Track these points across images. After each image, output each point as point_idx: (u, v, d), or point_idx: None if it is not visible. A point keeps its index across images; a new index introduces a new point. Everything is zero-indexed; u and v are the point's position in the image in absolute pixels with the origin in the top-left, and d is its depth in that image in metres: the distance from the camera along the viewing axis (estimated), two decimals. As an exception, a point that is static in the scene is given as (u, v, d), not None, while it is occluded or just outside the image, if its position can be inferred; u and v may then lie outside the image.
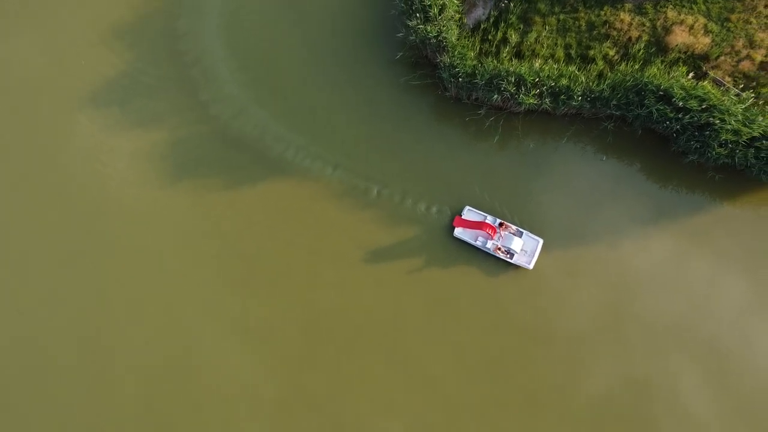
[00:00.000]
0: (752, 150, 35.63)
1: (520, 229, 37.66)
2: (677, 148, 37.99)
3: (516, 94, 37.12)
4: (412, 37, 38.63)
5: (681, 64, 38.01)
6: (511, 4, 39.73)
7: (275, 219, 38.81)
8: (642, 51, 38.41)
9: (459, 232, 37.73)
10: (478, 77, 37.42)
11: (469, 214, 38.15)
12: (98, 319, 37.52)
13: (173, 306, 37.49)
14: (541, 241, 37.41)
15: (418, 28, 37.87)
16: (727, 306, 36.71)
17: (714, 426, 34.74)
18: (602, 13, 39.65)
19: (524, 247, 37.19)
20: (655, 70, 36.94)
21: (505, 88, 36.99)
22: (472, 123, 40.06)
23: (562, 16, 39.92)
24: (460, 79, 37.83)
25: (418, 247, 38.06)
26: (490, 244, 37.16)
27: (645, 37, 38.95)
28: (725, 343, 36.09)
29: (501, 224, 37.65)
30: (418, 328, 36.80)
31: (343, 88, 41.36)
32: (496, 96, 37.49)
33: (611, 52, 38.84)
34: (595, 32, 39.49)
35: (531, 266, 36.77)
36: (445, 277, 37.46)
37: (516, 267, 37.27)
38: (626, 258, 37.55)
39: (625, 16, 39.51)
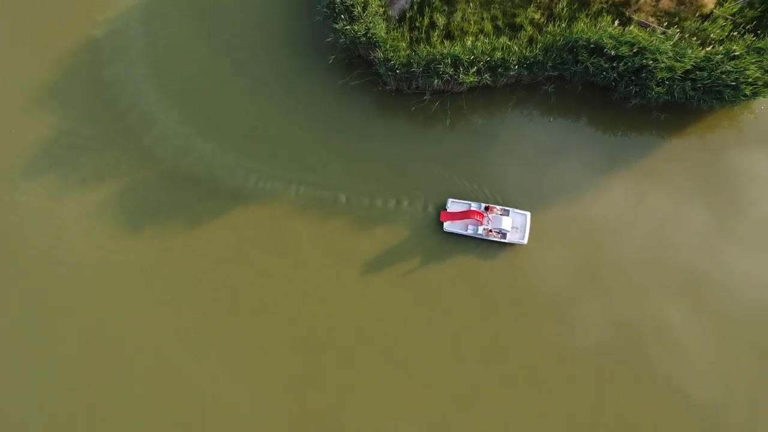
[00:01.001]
0: (688, 83, 36.81)
1: (506, 208, 37.99)
2: (619, 95, 38.92)
3: (455, 74, 37.33)
4: (341, 40, 38.39)
5: (605, 15, 38.86)
6: (431, -12, 39.84)
7: (246, 247, 38.21)
8: (566, 9, 39.11)
9: (448, 225, 37.83)
10: (415, 66, 37.47)
11: (453, 205, 38.29)
12: (88, 390, 36.34)
13: (162, 354, 36.66)
14: (529, 214, 37.91)
15: (346, 29, 37.67)
16: (693, 235, 38.08)
17: (708, 351, 36.01)
18: (520, -21, 40.10)
19: (514, 224, 37.61)
20: (582, 25, 37.69)
21: (443, 71, 37.16)
22: (419, 111, 40.17)
23: (482, -10, 40.23)
24: (397, 71, 37.83)
25: (406, 246, 38.12)
26: (481, 230, 37.40)
27: (567, -6, 39.66)
28: (699, 270, 37.44)
29: (487, 208, 37.92)
30: (414, 325, 36.92)
31: (284, 104, 40.85)
32: (436, 81, 37.63)
33: (537, 16, 39.43)
34: (517, 0, 39.96)
35: (525, 241, 37.26)
36: (438, 272, 37.66)
37: (512, 245, 37.67)
38: (590, 209, 38.50)
39: (543, -22, 40.08)
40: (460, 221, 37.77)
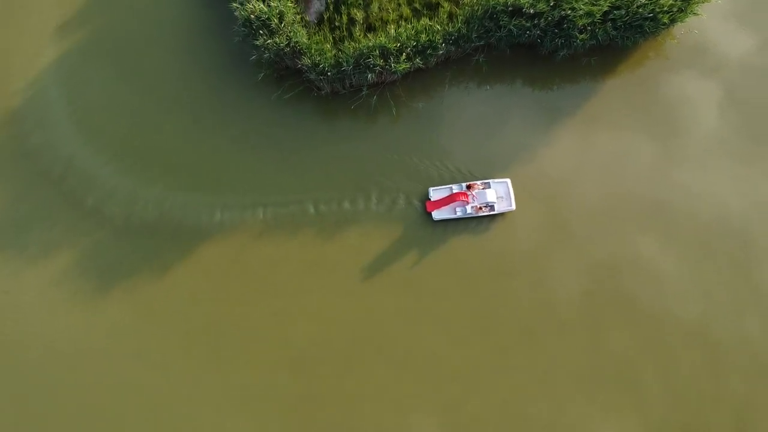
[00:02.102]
0: (608, 24, 37.85)
1: (485, 181, 38.25)
2: (546, 50, 39.60)
3: (386, 65, 37.28)
4: (266, 55, 37.80)
5: (515, -25, 39.30)
6: (343, -15, 39.59)
7: (220, 283, 37.44)
8: (475, -24, 39.44)
9: (437, 213, 37.83)
10: (345, 64, 37.25)
11: (435, 193, 38.30)
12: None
13: (157, 412, 35.55)
14: (509, 180, 38.34)
15: (267, 43, 37.09)
16: (645, 167, 39.36)
17: (685, 273, 37.51)
18: (426, -42, 40.21)
19: (499, 194, 37.96)
20: (496, -11, 38.09)
21: (373, 63, 37.06)
22: (359, 108, 40.00)
23: (392, -24, 40.18)
24: (328, 74, 37.52)
25: (396, 245, 38.03)
26: (469, 209, 37.57)
27: (472, -38, 39.94)
28: (659, 199, 38.74)
29: (468, 186, 38.07)
30: (408, 319, 36.88)
31: (223, 132, 40.04)
32: (369, 75, 37.51)
33: (451, -10, 39.66)
34: (428, -22, 40.07)
35: (513, 206, 37.73)
36: (433, 262, 37.81)
37: (502, 215, 38.14)
38: (544, 166, 39.30)
39: (447, -49, 40.26)
40: (446, 207, 37.84)
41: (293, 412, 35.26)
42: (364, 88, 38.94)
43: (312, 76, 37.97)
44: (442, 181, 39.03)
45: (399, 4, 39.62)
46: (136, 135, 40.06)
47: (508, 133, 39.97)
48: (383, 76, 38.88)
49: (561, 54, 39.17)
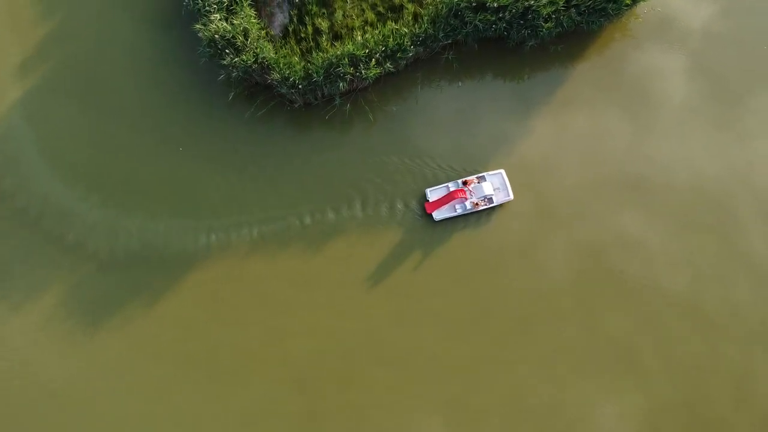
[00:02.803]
0: (572, 10, 38.14)
1: (480, 175, 38.36)
2: (514, 42, 39.71)
3: (357, 72, 37.11)
4: (234, 74, 37.41)
5: (476, -31, 39.31)
6: (305, -4, 39.31)
7: (212, 307, 37.13)
8: (437, -26, 39.37)
9: (437, 213, 37.79)
10: (315, 75, 37.02)
11: (433, 193, 38.31)
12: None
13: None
14: (503, 171, 38.49)
15: (234, 62, 36.69)
16: (621, 145, 40.08)
17: (670, 246, 38.28)
18: (385, -40, 40.04)
19: (495, 186, 38.07)
20: (458, -14, 38.07)
21: (344, 72, 36.86)
22: (334, 117, 39.79)
23: (354, -18, 39.97)
24: (300, 87, 37.25)
25: (396, 250, 38.15)
26: (469, 205, 37.57)
27: (432, -40, 39.85)
28: (637, 175, 39.44)
29: (464, 182, 38.11)
30: (406, 322, 37.02)
31: (199, 155, 39.60)
32: (341, 84, 37.32)
33: (413, -9, 39.56)
34: (389, -20, 39.90)
35: (511, 196, 37.91)
36: (432, 263, 38.02)
37: (501, 206, 38.38)
38: (523, 153, 39.72)
39: (405, -48, 40.12)
40: (446, 205, 37.77)
41: (299, 430, 35.09)
42: (337, 97, 38.72)
43: (283, 90, 37.68)
44: (426, 180, 39.09)
45: (363, 10, 39.43)
46: (111, 165, 39.44)
47: (486, 126, 40.18)
48: (355, 83, 38.73)
49: (529, 44, 39.35)
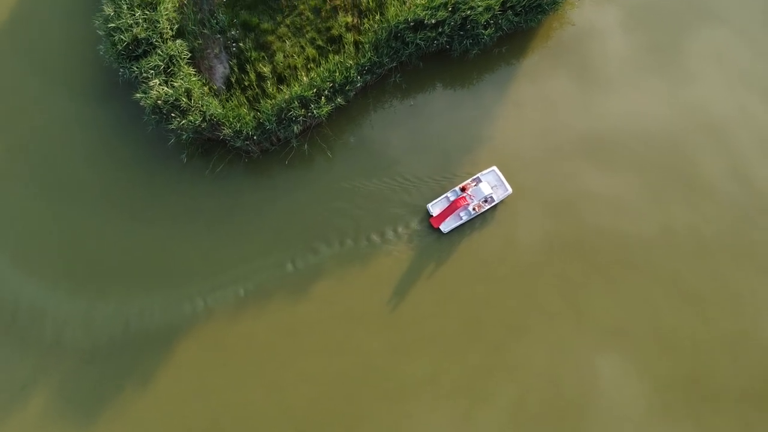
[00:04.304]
0: (509, 12, 38.27)
1: (474, 177, 38.35)
2: (457, 53, 39.64)
3: (308, 112, 36.61)
4: (184, 136, 36.49)
5: (408, -12, 39.13)
6: (241, 44, 38.51)
7: (207, 374, 36.15)
8: (371, 0, 39.03)
9: (444, 225, 37.47)
10: (267, 123, 36.39)
11: (435, 207, 37.96)
12: None
13: None
14: (495, 167, 38.53)
15: (182, 125, 35.79)
16: (576, 109, 41.16)
17: (634, 195, 39.41)
18: (315, -9, 39.53)
19: (492, 184, 37.96)
20: (393, 9, 37.84)
21: (295, 115, 36.30)
22: (294, 160, 39.14)
23: (288, 21, 39.39)
24: (254, 138, 36.55)
25: (402, 275, 37.92)
26: (471, 209, 37.41)
27: (363, -14, 39.54)
28: (593, 135, 40.65)
29: (462, 188, 37.94)
30: (398, 352, 36.68)
31: (162, 222, 38.53)
32: (295, 127, 36.75)
33: (349, 19, 39.15)
34: (323, 13, 39.42)
35: (510, 190, 37.91)
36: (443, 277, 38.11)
37: (503, 203, 38.47)
38: (498, 149, 40.13)
39: (334, -19, 39.70)
40: (451, 216, 37.47)
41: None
42: (293, 140, 38.08)
43: (237, 144, 36.90)
44: (401, 199, 38.81)
45: (302, 47, 38.89)
46: (75, 251, 38.11)
47: (449, 133, 40.23)
48: (309, 122, 38.16)
49: (473, 52, 39.34)
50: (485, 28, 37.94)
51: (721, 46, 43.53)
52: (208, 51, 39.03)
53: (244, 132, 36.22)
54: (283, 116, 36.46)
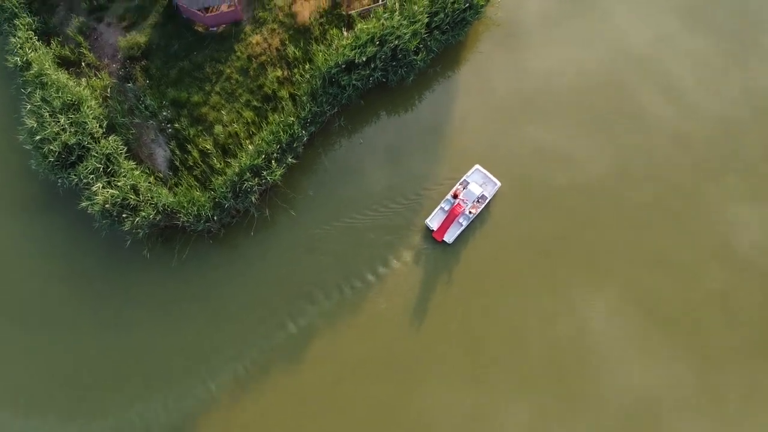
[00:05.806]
0: (436, 32, 38.30)
1: (461, 180, 38.35)
2: (393, 83, 39.27)
3: (262, 179, 35.81)
4: (140, 234, 35.22)
5: (330, 29, 38.48)
6: (176, 124, 37.29)
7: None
8: (296, 49, 38.26)
9: (448, 236, 37.34)
10: (224, 201, 35.43)
11: (433, 220, 37.79)
12: None
13: None
14: (478, 165, 38.64)
15: (136, 222, 34.53)
16: (510, 76, 41.95)
17: (581, 141, 40.52)
18: (238, 53, 38.56)
19: (481, 185, 38.00)
20: (321, 55, 37.12)
21: (250, 186, 35.44)
22: (258, 227, 38.25)
23: (218, 88, 38.32)
24: (215, 218, 35.56)
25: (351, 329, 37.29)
26: (468, 212, 37.37)
27: (285, 36, 38.76)
28: (533, 90, 41.60)
29: (454, 195, 37.86)
30: (406, 387, 36.49)
31: (139, 323, 37.39)
32: (252, 197, 35.88)
33: (279, 73, 38.31)
34: (251, 71, 38.47)
35: (498, 183, 38.14)
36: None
37: (494, 199, 38.53)
38: (469, 148, 39.78)
39: (254, 37, 38.79)
40: (451, 225, 37.37)
41: None
42: (252, 209, 37.15)
43: (199, 228, 35.84)
44: (374, 226, 38.72)
45: (239, 112, 37.90)
46: (55, 378, 36.74)
47: (409, 154, 40.19)
48: (264, 187, 37.28)
49: (410, 79, 39.03)
50: (416, 54, 37.68)
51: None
52: (144, 138, 37.74)
53: (203, 215, 35.15)
54: (237, 190, 35.53)
